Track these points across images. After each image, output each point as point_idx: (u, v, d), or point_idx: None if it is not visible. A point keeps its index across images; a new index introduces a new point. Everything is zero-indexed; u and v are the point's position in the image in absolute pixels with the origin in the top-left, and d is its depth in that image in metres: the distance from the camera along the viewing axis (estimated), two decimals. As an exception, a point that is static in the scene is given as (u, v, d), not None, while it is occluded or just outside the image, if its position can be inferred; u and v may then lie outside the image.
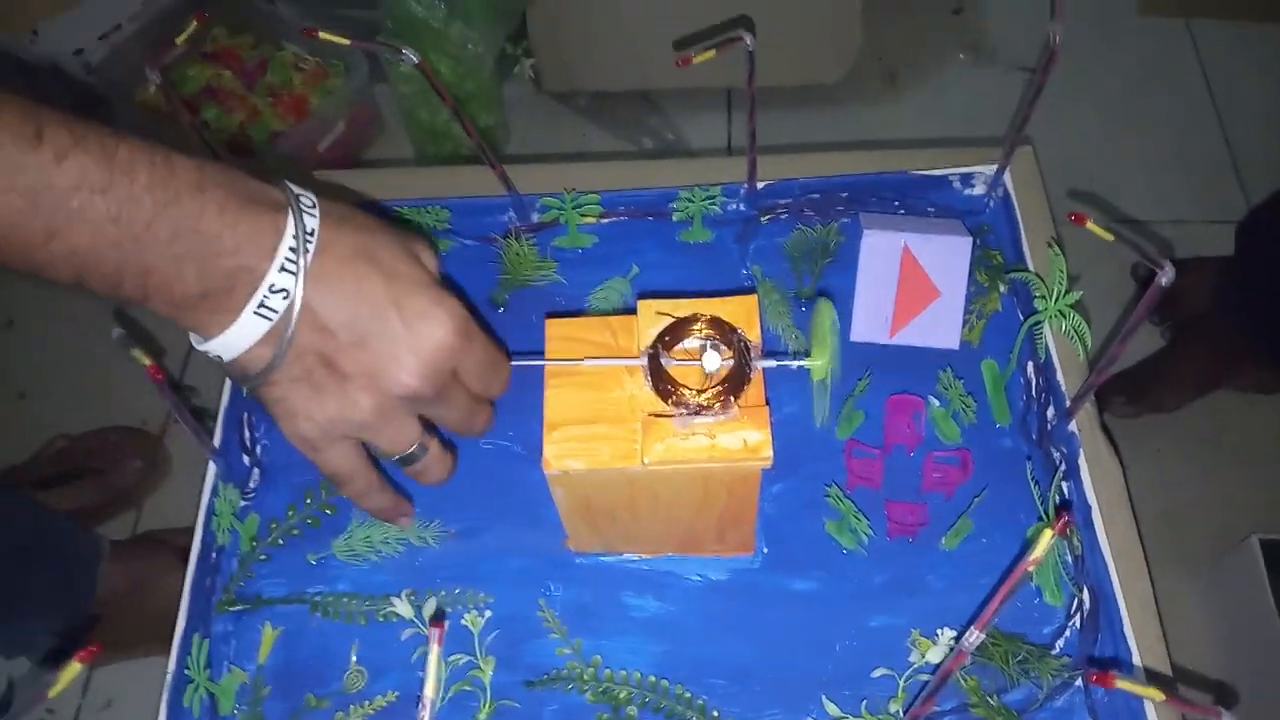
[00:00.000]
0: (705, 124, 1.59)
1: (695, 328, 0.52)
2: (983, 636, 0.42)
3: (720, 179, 0.76)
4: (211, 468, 0.66)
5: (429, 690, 0.41)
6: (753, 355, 0.52)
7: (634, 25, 1.47)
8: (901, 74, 1.65)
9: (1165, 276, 0.51)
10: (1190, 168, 1.54)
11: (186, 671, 0.59)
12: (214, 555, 0.64)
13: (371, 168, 1.49)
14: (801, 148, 0.80)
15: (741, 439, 0.50)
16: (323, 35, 0.62)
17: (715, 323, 0.52)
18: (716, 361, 0.51)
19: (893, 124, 1.60)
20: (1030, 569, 0.40)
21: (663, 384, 0.51)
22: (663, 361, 0.52)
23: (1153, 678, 0.58)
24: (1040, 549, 0.39)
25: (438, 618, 0.61)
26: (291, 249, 0.46)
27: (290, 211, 0.46)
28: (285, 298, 0.46)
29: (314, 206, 0.48)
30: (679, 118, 1.59)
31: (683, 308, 0.54)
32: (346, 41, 0.63)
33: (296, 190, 0.48)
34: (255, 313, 0.46)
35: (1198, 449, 1.30)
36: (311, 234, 0.46)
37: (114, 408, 1.36)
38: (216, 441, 0.68)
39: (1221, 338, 1.28)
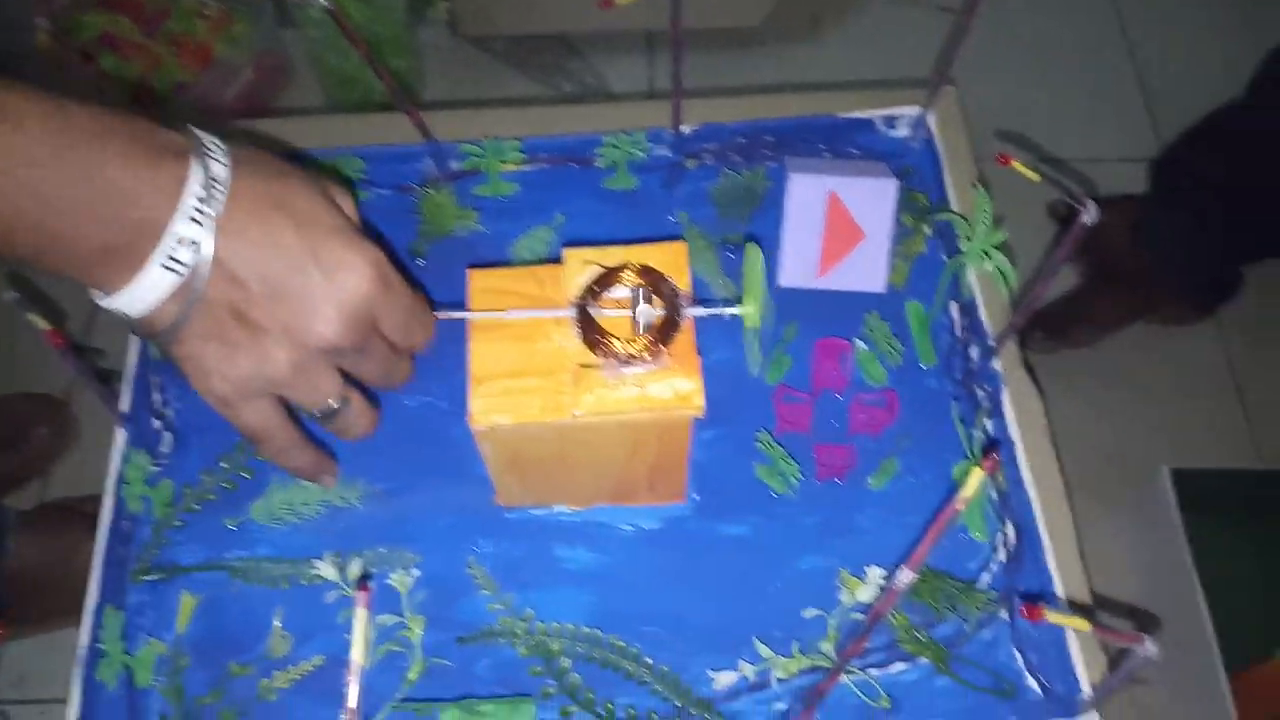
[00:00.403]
0: (627, 67, 1.57)
1: (624, 276, 0.51)
2: (914, 576, 0.42)
3: (645, 124, 0.75)
4: (120, 433, 0.63)
5: (355, 656, 0.40)
6: (683, 303, 0.51)
7: (551, -34, 1.44)
8: (824, 15, 1.64)
9: (1089, 215, 0.51)
10: (1105, 108, 1.57)
11: (100, 645, 0.57)
12: (126, 524, 0.62)
13: (282, 116, 1.44)
14: (725, 91, 0.79)
15: (672, 388, 0.50)
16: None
17: (645, 271, 0.51)
18: (647, 310, 0.50)
19: (816, 66, 1.60)
20: (959, 508, 0.40)
21: (592, 334, 0.50)
22: (591, 311, 0.50)
23: (1075, 608, 0.59)
24: (969, 488, 0.39)
25: (363, 580, 0.60)
26: (199, 198, 0.43)
27: (196, 158, 0.44)
28: (194, 250, 0.44)
29: (223, 153, 0.45)
30: (600, 61, 1.57)
31: (610, 256, 0.53)
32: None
33: (203, 136, 0.45)
34: (162, 266, 0.43)
35: (1115, 382, 1.33)
36: (220, 182, 0.44)
37: (18, 374, 1.30)
38: (124, 406, 0.65)
39: (1138, 273, 1.31)
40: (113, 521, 0.61)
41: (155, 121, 0.45)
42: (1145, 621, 1.10)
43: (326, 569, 0.61)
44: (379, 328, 0.50)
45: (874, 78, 1.58)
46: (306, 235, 0.46)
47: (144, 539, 0.62)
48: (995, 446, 0.63)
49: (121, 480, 0.62)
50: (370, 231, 0.71)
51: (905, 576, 0.42)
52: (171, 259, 0.43)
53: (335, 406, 0.51)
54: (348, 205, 0.50)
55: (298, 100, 1.53)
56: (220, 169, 0.44)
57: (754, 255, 0.51)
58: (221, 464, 0.64)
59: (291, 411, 0.52)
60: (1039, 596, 0.60)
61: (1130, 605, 1.15)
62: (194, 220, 0.43)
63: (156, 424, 0.65)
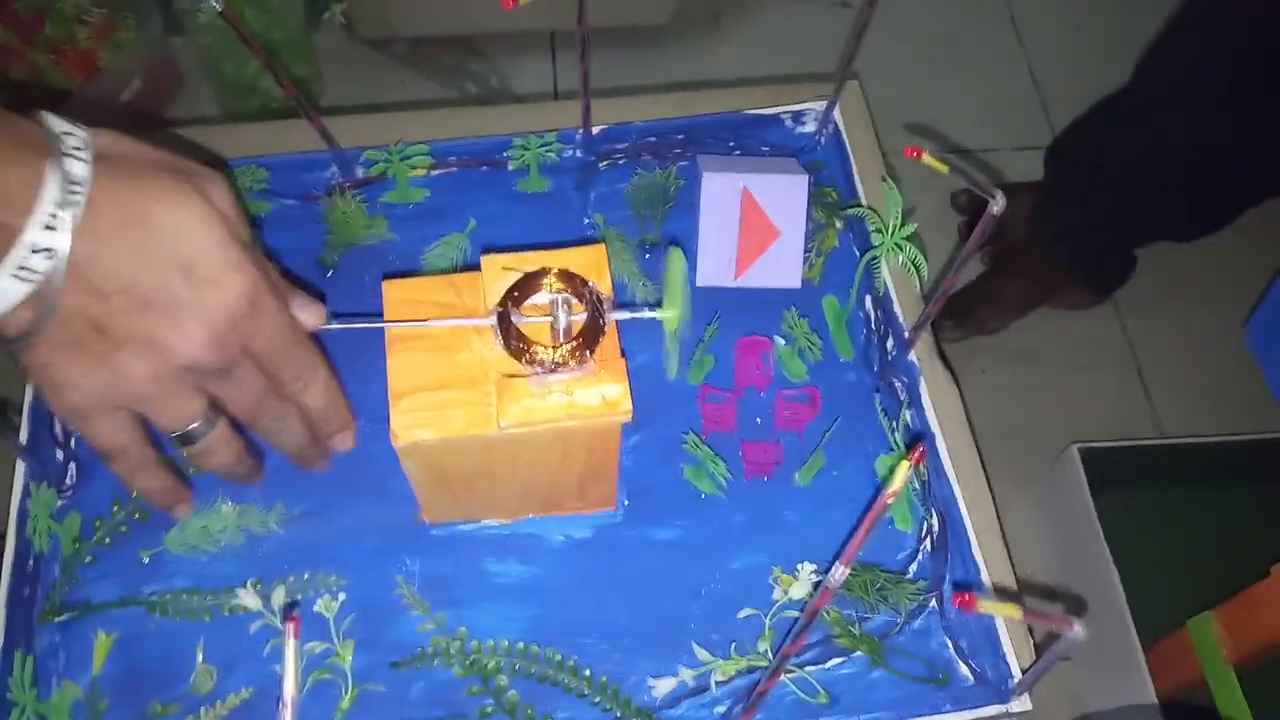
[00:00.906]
0: (530, 68, 1.55)
1: (545, 282, 0.50)
2: (847, 571, 0.42)
3: (554, 125, 0.74)
4: (20, 466, 0.60)
5: (288, 688, 0.39)
6: (605, 307, 0.50)
7: (449, -33, 1.42)
8: (724, 12, 1.65)
9: (997, 205, 0.52)
10: (1001, 99, 1.61)
11: (9, 695, 0.54)
12: (31, 562, 0.59)
13: (177, 126, 1.39)
14: (632, 90, 0.78)
15: (600, 394, 0.49)
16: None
17: (565, 275, 0.51)
18: (569, 316, 0.50)
19: (719, 63, 1.61)
20: (889, 501, 0.40)
21: (515, 342, 0.49)
22: (513, 319, 0.49)
23: (1002, 594, 0.60)
24: (897, 481, 0.39)
25: (290, 609, 0.57)
26: (56, 202, 0.40)
27: (54, 158, 0.40)
28: (49, 257, 0.40)
29: (85, 147, 0.41)
30: (503, 62, 1.55)
31: (529, 261, 0.52)
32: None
33: (64, 127, 0.41)
34: (14, 275, 0.40)
35: (1022, 366, 1.37)
36: (80, 183, 0.40)
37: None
38: (23, 437, 0.62)
39: (1038, 260, 1.35)
40: (16, 560, 0.58)
41: (11, 111, 0.41)
42: (1070, 604, 1.14)
43: (249, 598, 0.58)
44: (251, 353, 0.46)
45: (776, 73, 1.60)
46: (173, 244, 0.42)
47: (52, 577, 0.59)
48: (920, 439, 0.64)
49: (25, 516, 0.59)
50: (274, 243, 0.69)
51: (839, 573, 0.42)
52: (23, 268, 0.40)
53: (196, 429, 0.47)
54: (224, 200, 0.46)
55: (192, 109, 1.48)
56: (80, 168, 0.41)
57: (675, 257, 0.51)
58: (133, 493, 0.61)
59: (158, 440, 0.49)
60: (967, 585, 0.61)
61: (1052, 587, 1.18)
62: (48, 227, 0.39)
63: (59, 455, 0.62)
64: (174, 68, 1.46)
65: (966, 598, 0.43)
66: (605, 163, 0.75)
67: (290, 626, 0.39)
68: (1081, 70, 1.60)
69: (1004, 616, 0.59)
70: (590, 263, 0.52)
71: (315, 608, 0.58)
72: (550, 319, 0.50)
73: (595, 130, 0.73)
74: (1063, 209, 1.32)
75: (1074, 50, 1.65)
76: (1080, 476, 1.10)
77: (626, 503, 0.63)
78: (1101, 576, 1.05)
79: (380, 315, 0.52)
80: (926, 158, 0.53)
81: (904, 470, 0.40)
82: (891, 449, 0.65)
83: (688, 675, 0.58)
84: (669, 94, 0.77)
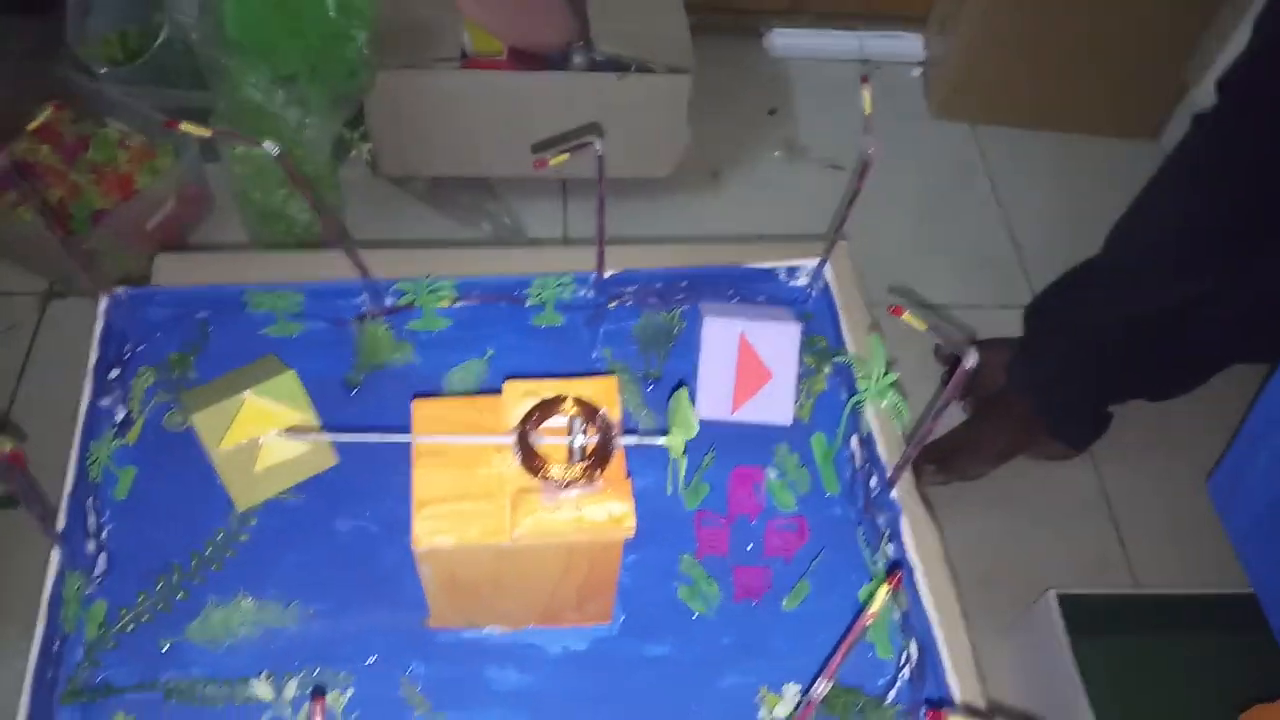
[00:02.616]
0: (542, 211, 1.65)
1: (563, 407, 0.56)
2: (830, 685, 0.46)
3: (568, 267, 0.81)
4: (55, 554, 0.64)
5: (313, 766, 0.42)
6: (615, 432, 0.55)
7: (471, 115, 1.52)
8: (723, 169, 1.76)
9: (970, 361, 0.58)
10: (982, 259, 1.71)
11: (31, 771, 0.57)
12: (56, 645, 0.62)
13: (212, 250, 1.47)
14: (635, 238, 0.86)
15: (607, 511, 0.54)
16: (184, 127, 0.63)
17: (579, 402, 0.56)
18: (582, 439, 0.55)
19: (716, 214, 1.71)
20: (869, 622, 0.44)
21: (532, 460, 0.54)
22: (530, 439, 0.55)
23: (975, 715, 0.64)
24: (877, 603, 0.44)
25: (316, 692, 0.61)
26: None
27: None
28: None
29: None
30: (517, 204, 1.64)
31: (547, 388, 0.57)
32: (208, 133, 0.64)
33: None
34: None
35: (1002, 512, 1.42)
36: None
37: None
38: (59, 526, 0.66)
39: (1016, 411, 1.41)
40: (44, 642, 0.61)
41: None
42: None
43: (262, 689, 0.62)
44: None
45: (769, 225, 1.69)
46: None
47: (75, 660, 0.62)
48: (898, 566, 0.69)
49: (58, 600, 0.62)
50: (303, 363, 0.74)
51: (822, 687, 0.46)
52: None
53: None
54: None
55: (218, 231, 1.56)
56: None
57: (682, 395, 0.57)
58: (158, 585, 0.65)
59: None
60: (940, 705, 0.64)
61: (1023, 713, 1.20)
62: None
63: (90, 545, 0.66)
64: (206, 192, 1.54)
65: (936, 712, 0.47)
66: (615, 303, 0.81)
67: (317, 706, 0.43)
68: (1059, 234, 1.70)
69: (971, 731, 0.62)
70: (602, 392, 0.58)
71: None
72: (564, 440, 0.55)
73: (607, 274, 0.80)
74: (1038, 365, 1.39)
75: (1052, 216, 1.76)
76: (1058, 621, 1.13)
77: (622, 618, 0.67)
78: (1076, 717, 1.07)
79: (399, 433, 0.57)
80: (906, 315, 0.59)
81: (883, 593, 0.44)
82: (871, 578, 0.69)
83: (674, 788, 0.61)
84: (676, 245, 0.85)
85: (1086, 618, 1.15)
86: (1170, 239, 1.21)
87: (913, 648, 0.67)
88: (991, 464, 1.43)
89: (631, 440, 0.57)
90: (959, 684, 0.65)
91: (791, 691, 0.65)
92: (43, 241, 1.39)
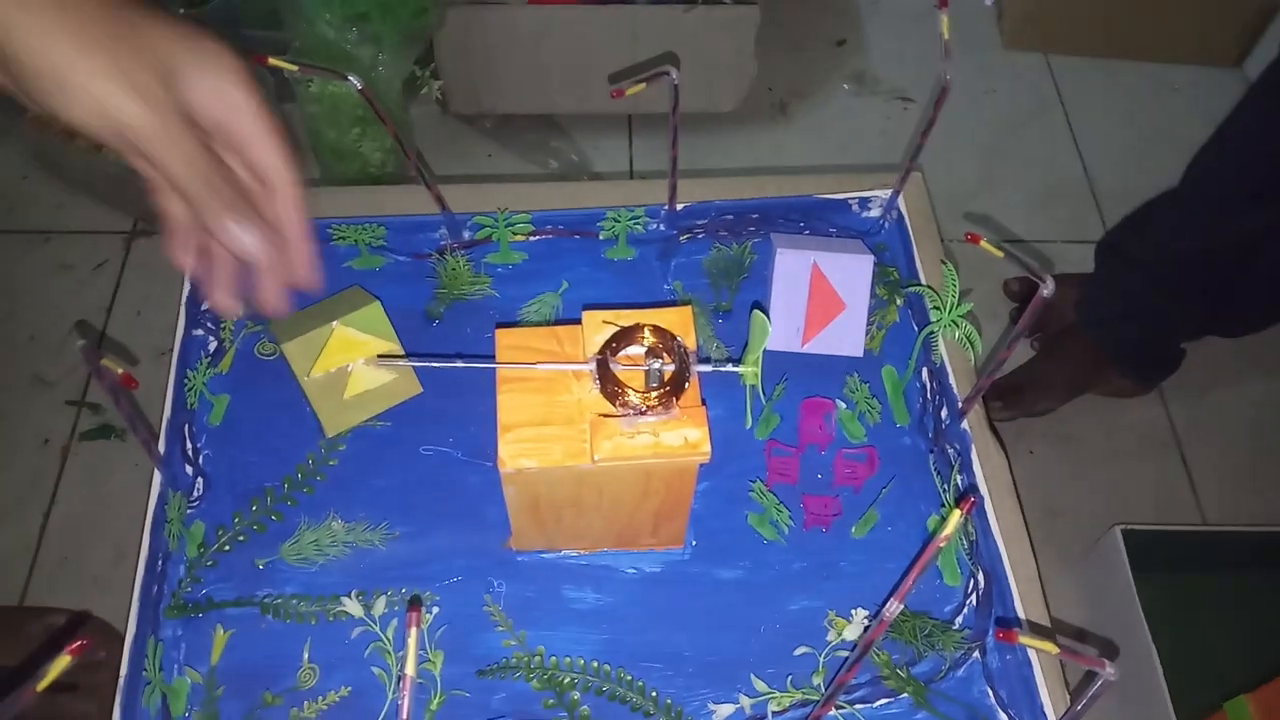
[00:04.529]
0: (608, 148, 1.65)
1: (640, 335, 0.57)
2: (901, 606, 0.47)
3: (639, 201, 0.82)
4: (157, 477, 0.68)
5: (409, 670, 0.45)
6: (691, 360, 0.57)
7: (538, 50, 1.52)
8: (790, 103, 1.74)
9: (1047, 289, 0.58)
10: (1054, 193, 1.67)
11: (144, 673, 0.61)
12: (160, 563, 0.66)
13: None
14: (703, 172, 0.86)
15: (683, 436, 0.55)
16: (272, 61, 0.65)
17: (657, 331, 0.57)
18: (660, 366, 0.56)
19: (783, 148, 1.69)
20: (942, 544, 0.46)
21: (611, 387, 0.56)
22: (610, 366, 0.56)
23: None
24: (950, 526, 0.45)
25: (414, 602, 0.64)
26: None
27: None
28: None
29: None
30: (583, 141, 1.65)
31: (625, 317, 0.59)
32: (295, 68, 0.66)
33: None
34: None
35: (1067, 448, 1.41)
36: None
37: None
38: (160, 451, 0.69)
39: (1085, 348, 1.39)
40: (149, 559, 0.65)
41: None
42: (1107, 650, 1.16)
43: (352, 606, 0.65)
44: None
45: (836, 158, 1.68)
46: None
47: (178, 577, 0.66)
48: (970, 492, 0.69)
49: (162, 519, 0.66)
50: (387, 294, 0.76)
51: (894, 607, 0.47)
52: None
53: None
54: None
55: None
56: None
57: (760, 321, 0.58)
58: (253, 507, 0.68)
59: None
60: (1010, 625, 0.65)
61: (1090, 637, 1.21)
62: None
63: (189, 469, 0.70)
64: (284, 130, 1.57)
65: (1007, 631, 0.48)
66: (686, 236, 0.82)
67: (414, 616, 0.45)
68: (1134, 168, 1.66)
69: (1041, 650, 0.63)
70: (679, 321, 0.59)
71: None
72: (642, 368, 0.57)
73: (679, 207, 0.81)
74: (1109, 301, 1.37)
75: (1127, 149, 1.72)
76: (1122, 557, 1.13)
77: (694, 543, 0.69)
78: (1140, 655, 1.08)
79: (481, 361, 0.59)
80: (984, 243, 0.59)
81: (956, 518, 0.45)
82: (942, 507, 0.70)
83: (746, 703, 0.63)
84: (746, 177, 0.85)
85: (1151, 554, 1.15)
86: (1251, 168, 1.18)
87: (980, 575, 0.68)
88: (1058, 400, 1.42)
89: (707, 368, 0.58)
90: (1025, 611, 0.66)
91: (859, 616, 0.66)
92: (128, 181, 1.43)
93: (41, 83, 0.43)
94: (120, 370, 0.55)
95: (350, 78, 0.65)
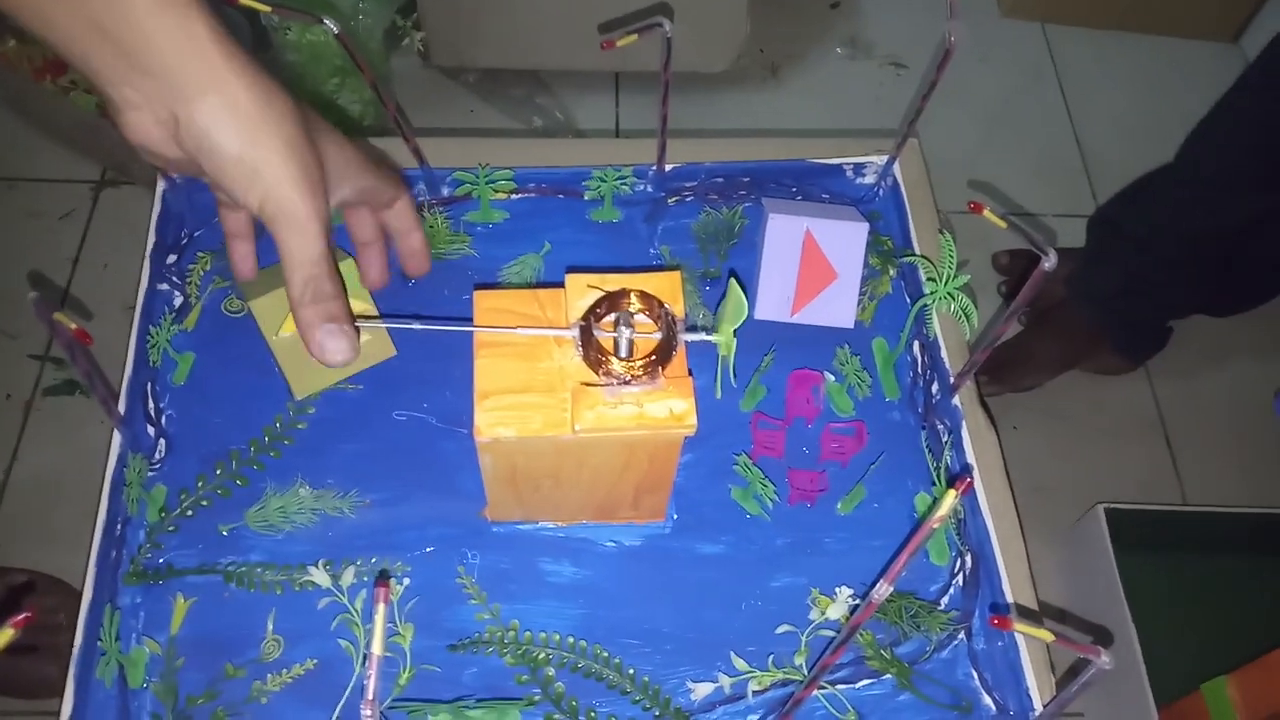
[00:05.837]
0: (594, 106, 1.61)
1: (626, 301, 0.54)
2: (891, 589, 0.45)
3: (625, 160, 0.79)
4: (116, 438, 0.65)
5: (375, 648, 0.42)
6: (678, 328, 0.54)
7: (525, 3, 1.48)
8: (783, 65, 1.71)
9: (1049, 262, 0.56)
10: (1046, 166, 1.65)
11: (99, 644, 0.58)
12: (119, 527, 0.63)
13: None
14: (692, 132, 0.83)
15: (668, 407, 0.53)
16: (243, 1, 0.61)
17: (644, 296, 0.55)
18: (632, 335, 0.54)
19: (775, 112, 1.66)
20: (935, 526, 0.43)
21: (594, 354, 0.53)
22: (595, 332, 0.54)
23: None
24: (945, 507, 0.43)
25: (382, 576, 0.62)
26: None
27: None
28: None
29: None
30: (568, 98, 1.61)
31: (610, 282, 0.56)
32: (267, 8, 0.62)
33: None
34: None
35: (1053, 425, 1.40)
36: None
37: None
38: (120, 410, 0.66)
39: (1074, 324, 1.38)
40: (107, 524, 0.62)
41: None
42: (1102, 637, 1.15)
43: (319, 575, 0.62)
44: None
45: (828, 123, 1.65)
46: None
47: (137, 542, 0.63)
48: (966, 471, 0.68)
49: (121, 483, 0.63)
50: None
51: (883, 589, 0.45)
52: None
53: None
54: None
55: (266, 121, 1.55)
56: None
57: (736, 289, 0.55)
58: (217, 471, 0.65)
59: None
60: (1002, 611, 0.64)
61: (1070, 617, 1.20)
62: None
63: (151, 430, 0.67)
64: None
65: (1002, 618, 0.46)
66: (674, 199, 0.79)
67: (381, 591, 0.43)
68: (1128, 143, 1.64)
69: (1036, 637, 0.61)
70: (666, 287, 0.56)
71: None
72: (628, 334, 0.54)
73: (668, 168, 0.78)
74: (1100, 276, 1.36)
75: (1121, 124, 1.69)
76: (1104, 535, 1.12)
77: (675, 517, 0.67)
78: (1120, 634, 1.07)
79: (459, 323, 0.56)
80: (987, 212, 0.57)
81: (951, 498, 0.43)
82: (932, 484, 0.68)
83: (725, 682, 0.61)
84: (737, 139, 0.82)
85: (1133, 532, 1.14)
86: (1248, 151, 1.16)
87: (968, 555, 0.66)
88: (1045, 376, 1.41)
89: (694, 337, 0.55)
90: (1013, 594, 0.64)
91: (844, 595, 0.64)
92: (98, 128, 1.38)
93: (239, 169, 0.48)
94: (73, 325, 0.52)
95: (326, 21, 0.62)
